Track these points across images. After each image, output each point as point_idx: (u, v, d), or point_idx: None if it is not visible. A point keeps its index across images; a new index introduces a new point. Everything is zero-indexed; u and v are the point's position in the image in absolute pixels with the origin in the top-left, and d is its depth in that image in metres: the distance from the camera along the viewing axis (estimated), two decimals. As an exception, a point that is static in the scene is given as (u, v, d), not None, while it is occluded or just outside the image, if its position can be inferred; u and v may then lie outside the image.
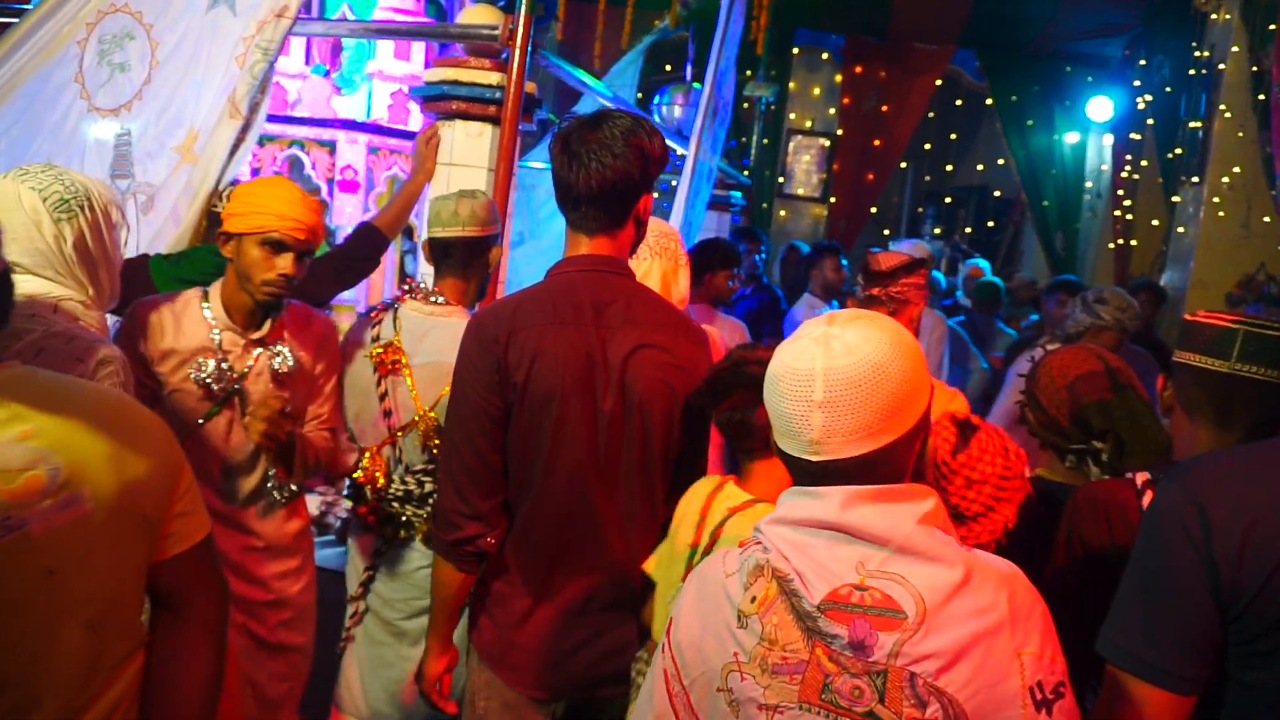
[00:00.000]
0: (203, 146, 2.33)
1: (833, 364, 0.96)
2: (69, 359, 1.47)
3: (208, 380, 1.88)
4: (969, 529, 1.44)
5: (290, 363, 1.96)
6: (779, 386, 1.00)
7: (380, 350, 2.08)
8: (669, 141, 4.04)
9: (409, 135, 3.92)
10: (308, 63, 3.93)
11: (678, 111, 4.03)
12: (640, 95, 5.74)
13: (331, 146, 3.76)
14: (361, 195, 3.82)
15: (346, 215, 3.80)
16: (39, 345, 1.49)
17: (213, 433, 1.91)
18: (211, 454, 1.91)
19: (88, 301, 1.63)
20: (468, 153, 2.67)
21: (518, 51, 2.49)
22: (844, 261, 4.89)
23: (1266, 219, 4.45)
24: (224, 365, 1.89)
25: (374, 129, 3.79)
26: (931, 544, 0.94)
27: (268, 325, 1.95)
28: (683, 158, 3.78)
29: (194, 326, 1.91)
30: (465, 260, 2.09)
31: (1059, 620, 1.30)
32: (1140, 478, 1.39)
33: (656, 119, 4.05)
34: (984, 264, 5.91)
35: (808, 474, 0.99)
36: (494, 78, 2.62)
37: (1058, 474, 1.73)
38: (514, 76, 2.50)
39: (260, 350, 1.94)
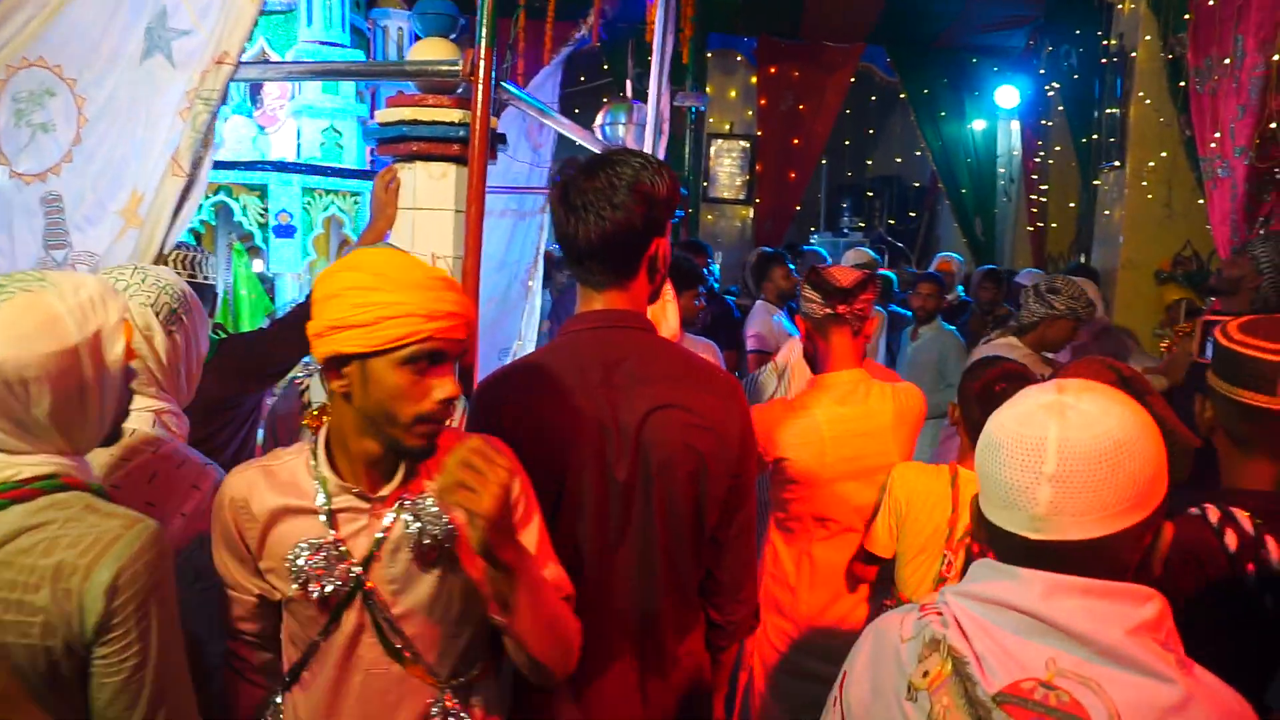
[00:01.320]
0: (147, 209, 2.11)
1: (1069, 435, 0.88)
2: (185, 485, 1.38)
3: (306, 580, 1.25)
4: None
5: (442, 527, 1.29)
6: (1002, 454, 0.91)
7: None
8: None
9: (345, 174, 3.72)
10: (225, 102, 3.69)
11: (621, 130, 3.93)
12: (578, 111, 5.62)
13: (263, 190, 3.53)
14: (299, 240, 3.60)
15: (285, 262, 3.58)
16: (151, 469, 1.40)
17: (334, 651, 1.30)
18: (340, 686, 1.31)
19: (178, 411, 1.53)
20: (432, 195, 2.51)
21: (481, 87, 2.34)
22: (791, 266, 4.88)
23: (1199, 202, 4.62)
24: (333, 552, 1.26)
25: (308, 169, 3.58)
26: (1145, 655, 0.85)
27: (400, 473, 1.30)
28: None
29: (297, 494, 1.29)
30: None
31: None
32: (1213, 514, 1.34)
33: (602, 139, 3.95)
34: (957, 258, 6.00)
35: (1019, 552, 0.91)
36: (456, 115, 2.47)
37: None
38: (479, 113, 2.36)
39: (394, 512, 1.29)
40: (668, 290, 2.20)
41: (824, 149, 8.28)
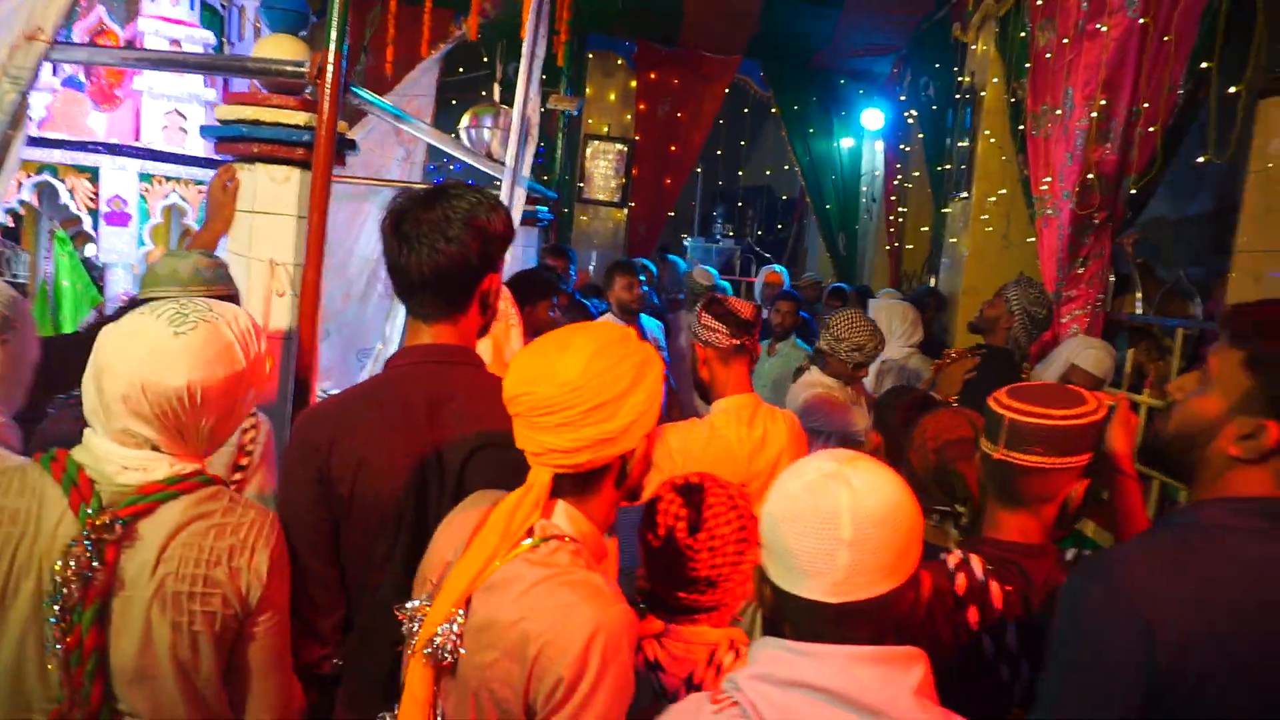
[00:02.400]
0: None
1: (860, 503, 0.96)
2: None
3: None
4: (725, 592, 1.47)
5: None
6: (800, 525, 0.97)
7: None
8: (483, 167, 3.90)
9: (188, 161, 3.51)
10: (56, 73, 3.41)
11: (487, 135, 3.87)
12: (454, 101, 5.47)
13: (94, 173, 3.30)
14: (134, 228, 3.38)
15: (118, 252, 3.35)
16: None
17: None
18: None
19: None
20: (273, 199, 2.40)
21: (328, 91, 2.26)
22: (645, 273, 4.93)
23: (1025, 239, 4.96)
24: None
25: (146, 154, 3.36)
26: (927, 716, 0.93)
27: None
28: (497, 185, 3.64)
29: None
30: None
31: None
32: (952, 560, 1.44)
33: (466, 143, 3.87)
34: (782, 270, 6.17)
35: (816, 619, 0.97)
36: (300, 118, 2.38)
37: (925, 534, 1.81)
38: (325, 118, 2.28)
39: None
40: (511, 315, 2.18)
41: (699, 157, 8.41)
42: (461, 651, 1.13)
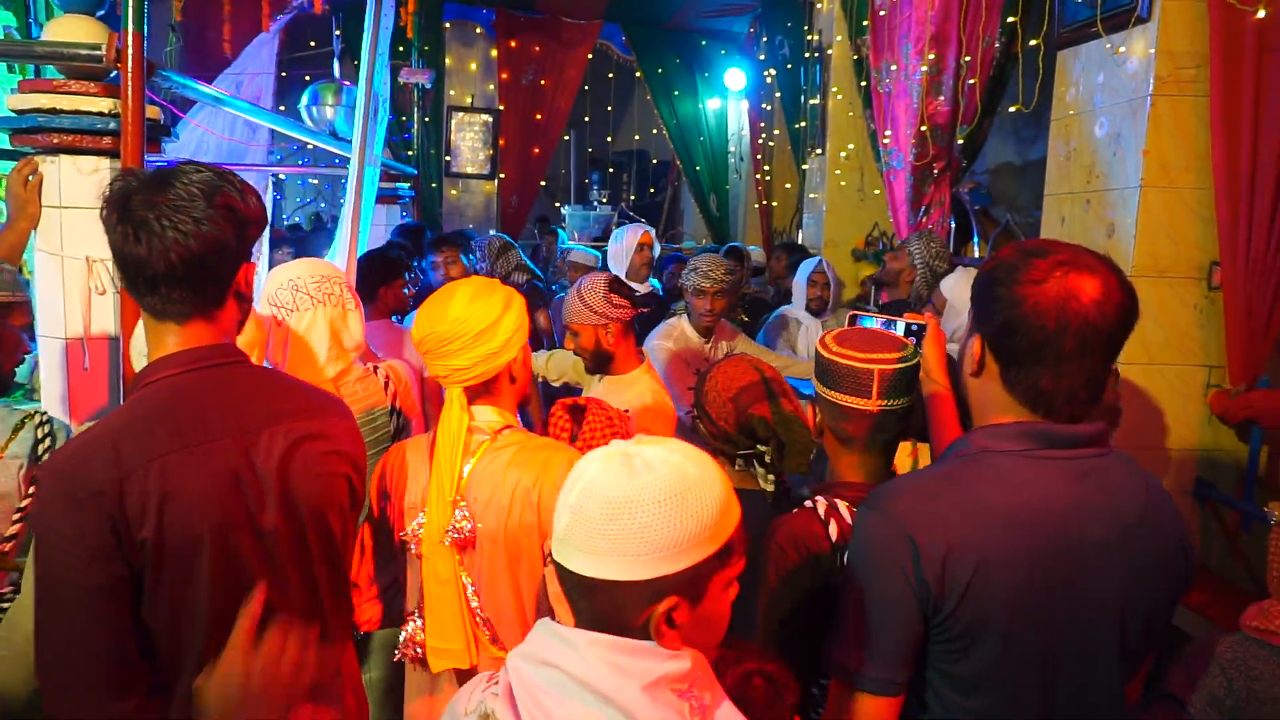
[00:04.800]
0: None
1: (636, 481, 0.92)
2: None
3: None
4: None
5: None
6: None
7: None
8: (327, 146, 3.78)
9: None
10: None
11: (330, 113, 3.75)
12: (308, 78, 5.25)
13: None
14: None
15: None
16: None
17: None
18: None
19: None
20: (83, 193, 2.28)
21: (130, 76, 2.16)
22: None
23: (876, 191, 5.14)
24: None
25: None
26: (658, 709, 0.89)
27: None
28: (346, 160, 3.54)
29: None
30: None
31: (781, 645, 1.41)
32: (821, 506, 1.50)
33: (308, 122, 3.74)
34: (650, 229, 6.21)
35: (579, 593, 0.95)
36: (104, 104, 2.26)
37: (731, 479, 1.89)
38: (130, 104, 2.17)
39: None
40: (348, 299, 2.14)
41: (567, 124, 8.35)
42: (479, 525, 1.61)
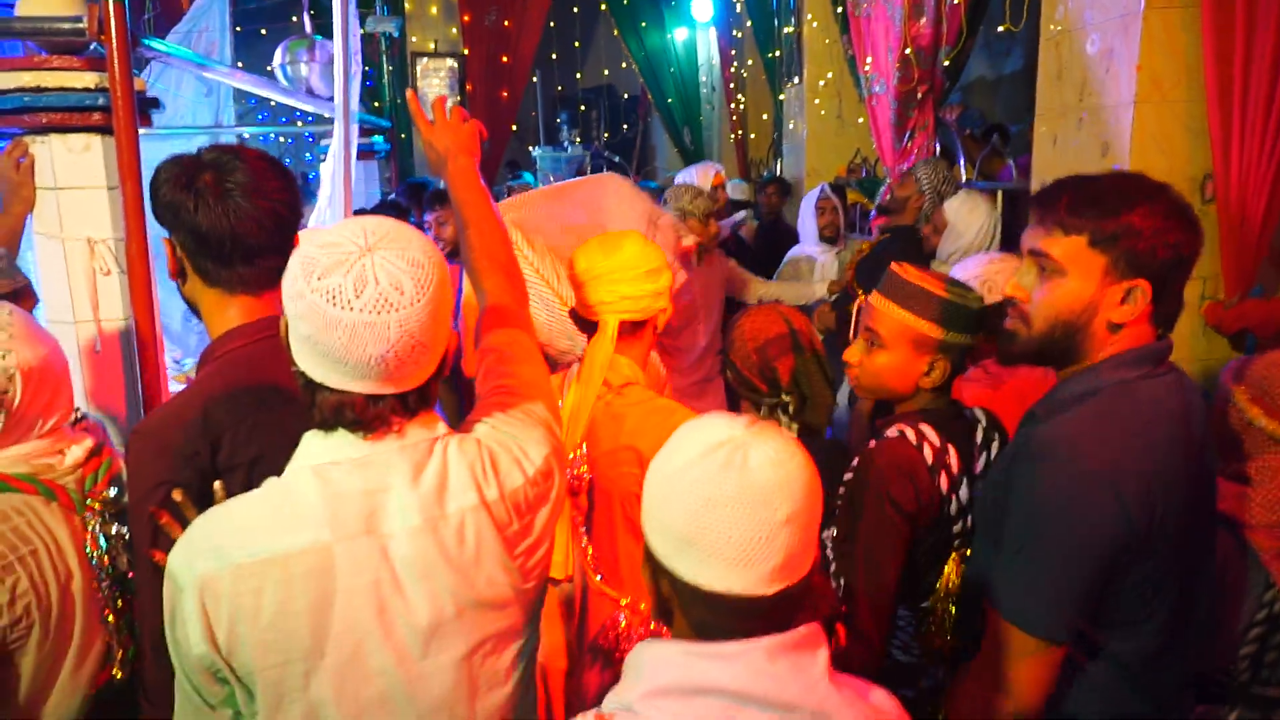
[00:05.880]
0: None
1: (788, 474, 0.82)
2: None
3: None
4: None
5: None
6: (729, 510, 0.80)
7: None
8: (303, 104, 3.70)
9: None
10: None
11: (304, 70, 3.66)
12: (264, 32, 5.09)
13: None
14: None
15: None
16: None
17: None
18: None
19: None
20: (77, 172, 2.24)
21: (115, 48, 2.09)
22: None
23: (860, 119, 5.12)
24: None
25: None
26: (845, 711, 0.83)
27: None
28: (329, 120, 3.48)
29: None
30: None
31: (879, 571, 1.48)
32: (911, 433, 1.53)
33: (283, 81, 3.65)
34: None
35: (745, 616, 0.83)
36: (90, 79, 2.19)
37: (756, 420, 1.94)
38: (119, 78, 2.11)
39: None
40: None
41: (534, 64, 8.18)
42: (589, 475, 1.66)
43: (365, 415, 0.97)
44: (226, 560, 0.93)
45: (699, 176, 3.84)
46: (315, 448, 1.00)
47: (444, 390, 1.69)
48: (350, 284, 0.92)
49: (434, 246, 1.02)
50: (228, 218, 1.27)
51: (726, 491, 0.81)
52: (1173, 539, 1.25)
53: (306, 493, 0.96)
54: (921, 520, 1.50)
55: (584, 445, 1.67)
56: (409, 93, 1.69)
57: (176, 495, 1.16)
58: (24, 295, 2.02)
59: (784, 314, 1.93)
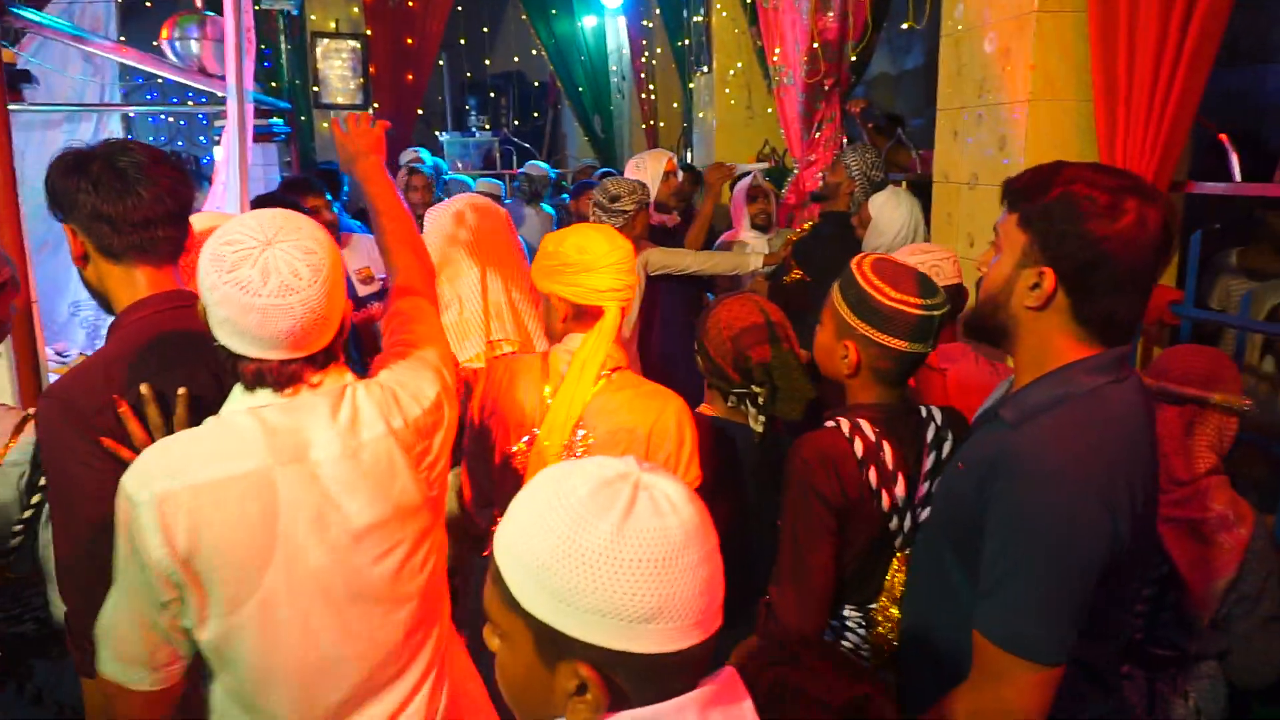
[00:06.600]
0: None
1: (688, 513, 0.75)
2: None
3: None
4: None
5: None
6: (640, 568, 0.71)
7: None
8: (194, 82, 3.52)
9: None
10: None
11: (195, 47, 3.46)
12: (149, 4, 4.79)
13: None
14: None
15: None
16: None
17: None
18: None
19: None
20: (-62, 151, 2.07)
21: (-19, 17, 1.94)
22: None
23: (769, 109, 5.18)
24: None
25: None
26: None
27: None
28: (219, 98, 3.31)
29: None
30: None
31: (803, 558, 1.48)
32: (845, 425, 1.53)
33: (173, 58, 3.46)
34: (544, 166, 6.12)
35: (675, 672, 0.74)
36: (-48, 50, 2.03)
37: (720, 411, 1.94)
38: (-15, 50, 1.96)
39: None
40: None
41: (440, 47, 7.99)
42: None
43: (281, 377, 1.18)
44: (183, 481, 1.11)
45: (651, 163, 3.80)
46: (239, 400, 1.21)
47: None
48: (258, 275, 1.11)
49: (324, 231, 1.21)
50: (121, 191, 1.34)
51: (627, 547, 0.72)
52: (1139, 540, 1.22)
53: (247, 428, 1.16)
54: (851, 513, 1.49)
55: (581, 430, 1.69)
56: (333, 119, 1.81)
57: (121, 406, 1.28)
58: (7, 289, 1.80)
59: (760, 304, 1.90)
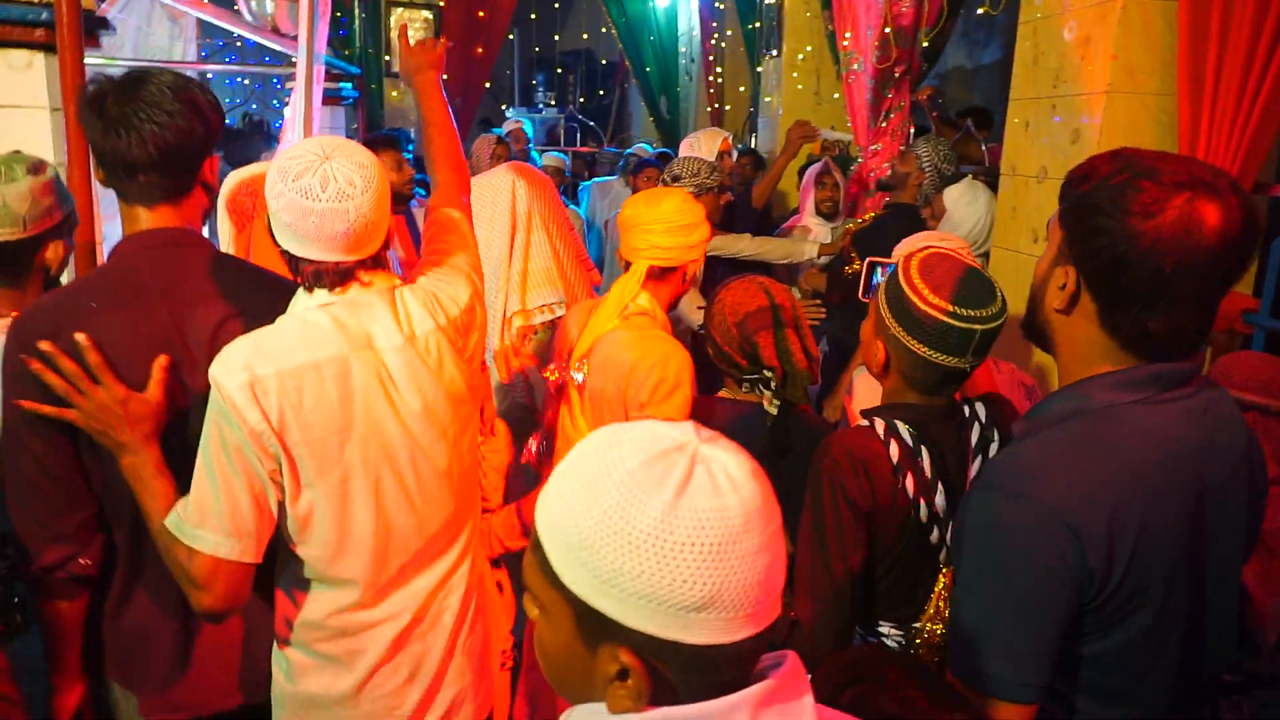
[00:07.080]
0: None
1: (751, 490, 0.67)
2: None
3: None
4: None
5: None
6: (694, 550, 0.64)
7: None
8: (269, 44, 3.57)
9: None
10: None
11: (270, 5, 3.52)
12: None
13: None
14: None
15: None
16: None
17: None
18: None
19: None
20: (16, 90, 2.14)
21: (63, -39, 1.99)
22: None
23: (835, 95, 5.09)
24: None
25: None
26: None
27: None
28: (292, 61, 3.35)
29: None
30: (8, 271, 1.68)
31: (827, 563, 1.38)
32: (880, 425, 1.43)
33: (248, 17, 3.52)
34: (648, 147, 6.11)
35: (728, 664, 0.68)
36: (34, -8, 2.09)
37: (738, 395, 1.91)
38: (64, -7, 2.01)
39: None
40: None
41: (511, 22, 8.02)
42: (584, 381, 1.90)
43: (336, 277, 1.33)
44: (271, 368, 1.26)
45: (706, 142, 3.78)
46: (305, 301, 1.35)
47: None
48: (317, 183, 1.25)
49: (372, 154, 1.33)
50: (110, 133, 1.36)
51: (680, 525, 0.65)
52: (1166, 586, 1.07)
53: (322, 321, 1.32)
54: (882, 520, 1.40)
55: (587, 358, 1.89)
56: (401, 26, 1.88)
57: (44, 345, 1.31)
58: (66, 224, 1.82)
59: (765, 286, 1.86)
